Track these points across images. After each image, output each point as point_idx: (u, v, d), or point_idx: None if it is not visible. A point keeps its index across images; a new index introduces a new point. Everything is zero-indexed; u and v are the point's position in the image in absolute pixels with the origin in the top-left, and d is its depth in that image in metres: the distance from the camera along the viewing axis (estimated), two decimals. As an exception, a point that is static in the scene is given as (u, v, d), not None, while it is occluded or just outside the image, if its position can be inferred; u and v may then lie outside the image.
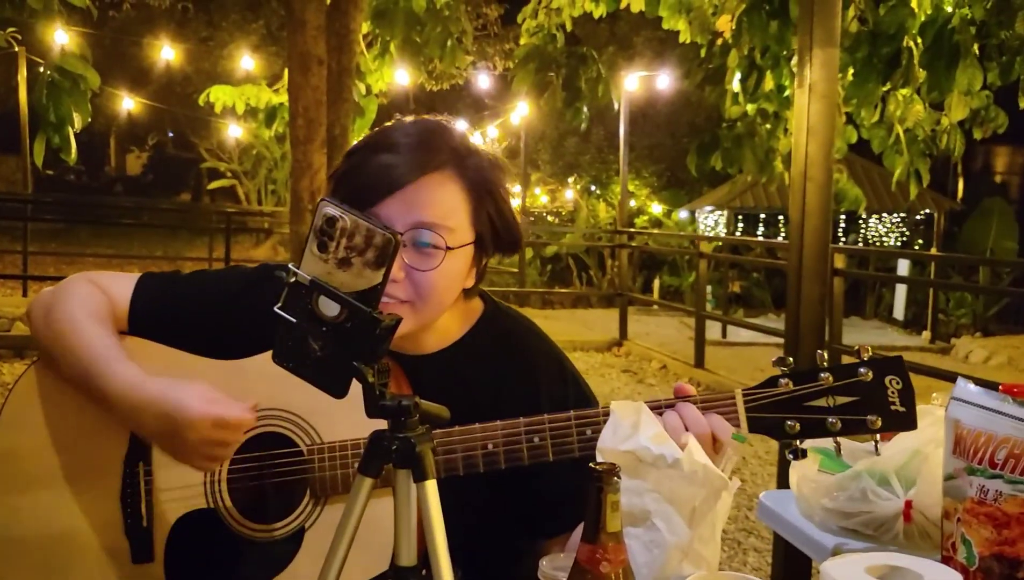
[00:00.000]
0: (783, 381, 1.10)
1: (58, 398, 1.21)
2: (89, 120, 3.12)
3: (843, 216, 13.67)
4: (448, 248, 1.15)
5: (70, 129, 3.04)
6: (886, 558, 0.96)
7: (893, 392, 1.08)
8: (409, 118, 1.25)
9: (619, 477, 0.84)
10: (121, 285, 1.26)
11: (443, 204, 1.15)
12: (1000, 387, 1.11)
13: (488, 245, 1.22)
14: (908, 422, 1.09)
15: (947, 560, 1.10)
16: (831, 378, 1.09)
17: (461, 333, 1.28)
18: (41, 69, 3.10)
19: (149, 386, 1.11)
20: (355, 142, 1.27)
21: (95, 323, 1.18)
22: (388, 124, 1.24)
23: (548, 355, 1.31)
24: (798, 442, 1.11)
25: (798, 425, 1.09)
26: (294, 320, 0.88)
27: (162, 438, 1.12)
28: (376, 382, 0.88)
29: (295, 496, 1.17)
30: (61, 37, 3.39)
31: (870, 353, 1.10)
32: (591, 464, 0.84)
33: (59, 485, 1.19)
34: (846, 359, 1.17)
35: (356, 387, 0.89)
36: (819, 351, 1.14)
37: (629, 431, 1.01)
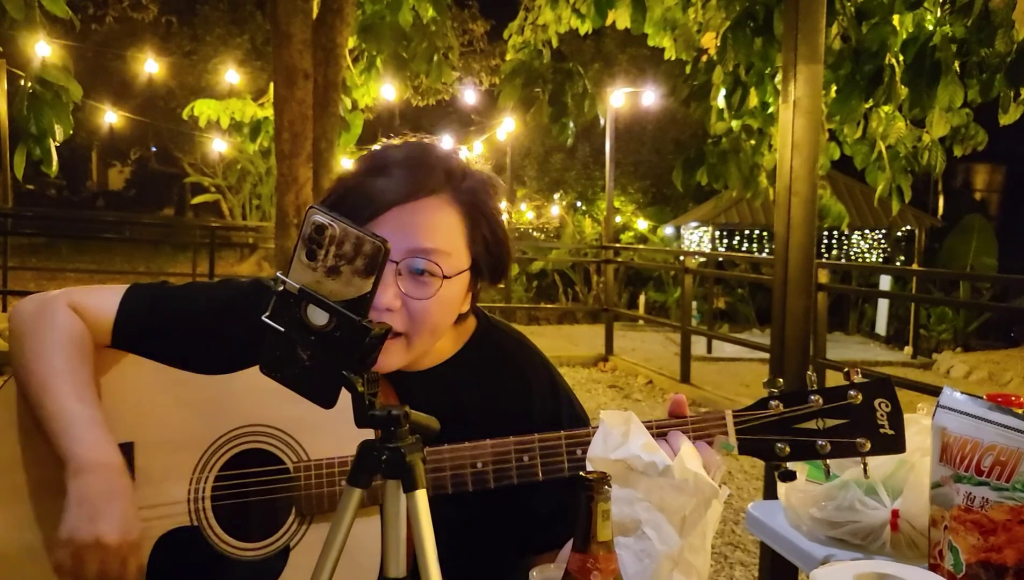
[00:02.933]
0: (773, 403, 1.10)
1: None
2: (71, 133, 3.09)
3: (828, 232, 13.79)
4: (445, 277, 1.13)
5: (52, 142, 3.02)
6: (875, 566, 0.97)
7: (882, 415, 1.09)
8: (397, 140, 1.23)
9: (610, 486, 0.83)
10: (107, 299, 1.23)
11: (439, 229, 1.14)
12: (985, 396, 1.12)
13: (483, 270, 1.20)
14: (897, 445, 1.09)
15: (934, 568, 1.11)
16: (821, 400, 1.09)
17: (455, 349, 1.27)
18: (22, 81, 3.08)
19: (103, 462, 1.08)
20: (346, 167, 1.25)
21: (67, 368, 1.14)
22: (378, 146, 1.23)
23: (541, 371, 1.30)
24: (787, 464, 1.11)
25: (788, 447, 1.09)
26: (282, 329, 0.87)
27: (72, 513, 1.06)
28: (366, 391, 0.87)
29: (280, 514, 1.16)
30: (43, 49, 3.37)
31: (859, 375, 1.10)
32: (581, 473, 0.84)
33: (39, 500, 1.17)
34: (831, 374, 1.18)
35: (343, 405, 0.87)
36: (809, 374, 1.14)
37: (619, 440, 1.01)
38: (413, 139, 1.23)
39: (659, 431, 1.10)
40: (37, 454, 1.19)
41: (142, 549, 1.08)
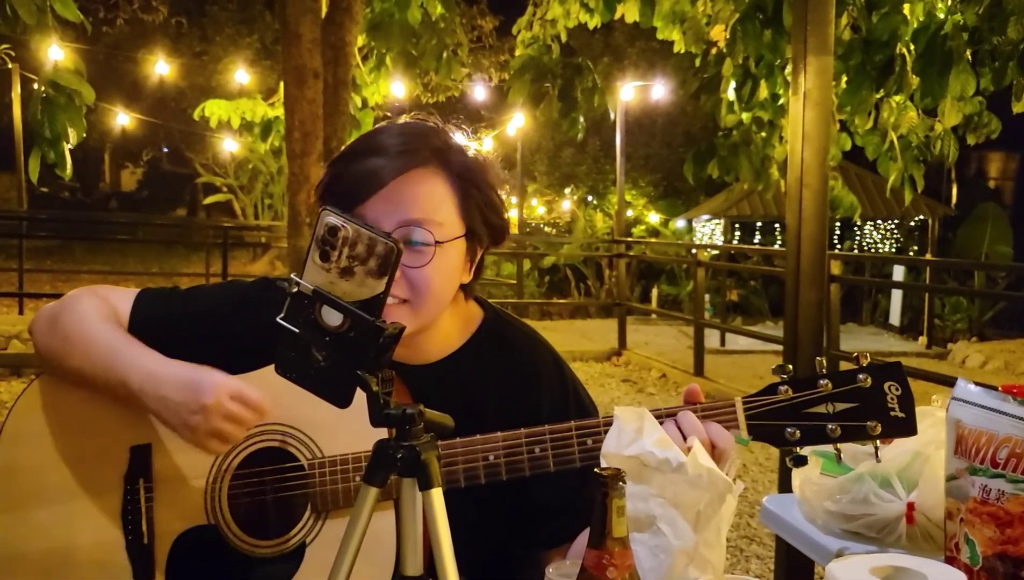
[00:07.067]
0: (782, 388, 1.11)
1: (59, 415, 1.21)
2: (84, 135, 3.12)
3: (838, 223, 13.71)
4: (437, 242, 1.14)
5: (65, 145, 3.04)
6: (890, 559, 0.97)
7: (892, 398, 1.09)
8: (400, 119, 1.25)
9: (624, 482, 0.84)
10: (121, 300, 1.26)
11: (428, 199, 1.15)
12: (1000, 388, 1.11)
13: (481, 237, 1.21)
14: (908, 428, 1.09)
15: (951, 560, 1.10)
16: (830, 385, 1.09)
17: (462, 341, 1.28)
18: (35, 85, 3.11)
19: (173, 363, 1.14)
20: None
21: (107, 322, 1.20)
22: (370, 129, 1.25)
23: (549, 362, 1.31)
24: (798, 449, 1.11)
25: (798, 432, 1.09)
26: (297, 330, 0.88)
27: (179, 411, 1.10)
28: (380, 391, 0.88)
29: (296, 511, 1.17)
30: (55, 53, 3.40)
31: (869, 359, 1.10)
32: (596, 470, 0.84)
33: (59, 502, 1.18)
34: (844, 365, 1.18)
35: (357, 401, 0.88)
36: (818, 358, 1.14)
37: (633, 436, 1.01)
38: (407, 119, 1.24)
39: (667, 414, 1.10)
40: (60, 458, 1.21)
41: (239, 382, 1.11)
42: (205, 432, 1.10)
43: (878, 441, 1.10)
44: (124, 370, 1.14)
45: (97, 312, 1.22)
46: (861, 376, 1.09)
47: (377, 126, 1.25)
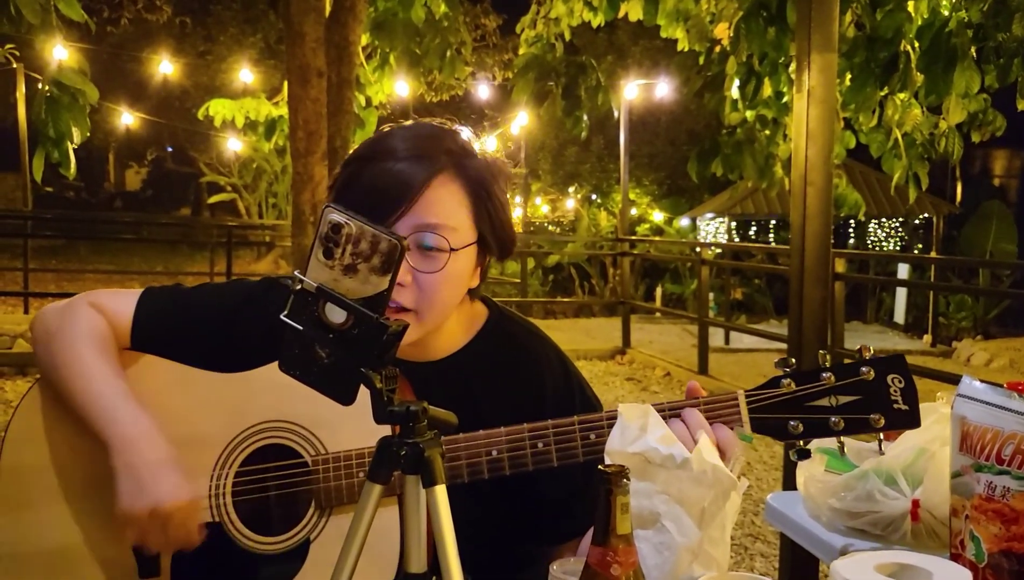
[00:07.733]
0: (785, 381, 1.10)
1: (62, 415, 1.21)
2: (88, 135, 3.12)
3: (852, 221, 13.68)
4: (452, 249, 1.15)
5: (69, 144, 3.04)
6: (895, 556, 0.96)
7: (896, 390, 1.08)
8: (408, 122, 1.25)
9: (628, 479, 0.84)
10: (124, 302, 1.25)
11: (445, 205, 1.16)
12: (1005, 385, 1.11)
13: (490, 244, 1.22)
14: (911, 420, 1.09)
15: (956, 558, 1.10)
16: (833, 378, 1.09)
17: (466, 339, 1.28)
18: (40, 84, 3.11)
19: (146, 441, 1.12)
20: (352, 151, 1.26)
21: (97, 357, 1.18)
22: (384, 130, 1.23)
23: (553, 360, 1.31)
24: (802, 442, 1.11)
25: (801, 425, 1.09)
26: (301, 327, 0.88)
27: (124, 491, 1.11)
28: (384, 388, 0.88)
29: (300, 508, 1.17)
30: (59, 52, 3.40)
31: (871, 353, 1.10)
32: (600, 467, 0.84)
33: (65, 501, 1.18)
34: (848, 362, 1.18)
35: (361, 399, 0.88)
36: (821, 351, 1.14)
37: (637, 433, 1.01)
38: (421, 120, 1.24)
39: (672, 412, 1.10)
40: (64, 457, 1.21)
41: (197, 505, 1.12)
42: (132, 528, 1.11)
43: (881, 434, 1.10)
44: (104, 426, 1.13)
45: (90, 339, 1.19)
46: (864, 369, 1.08)
47: (391, 128, 1.23)
